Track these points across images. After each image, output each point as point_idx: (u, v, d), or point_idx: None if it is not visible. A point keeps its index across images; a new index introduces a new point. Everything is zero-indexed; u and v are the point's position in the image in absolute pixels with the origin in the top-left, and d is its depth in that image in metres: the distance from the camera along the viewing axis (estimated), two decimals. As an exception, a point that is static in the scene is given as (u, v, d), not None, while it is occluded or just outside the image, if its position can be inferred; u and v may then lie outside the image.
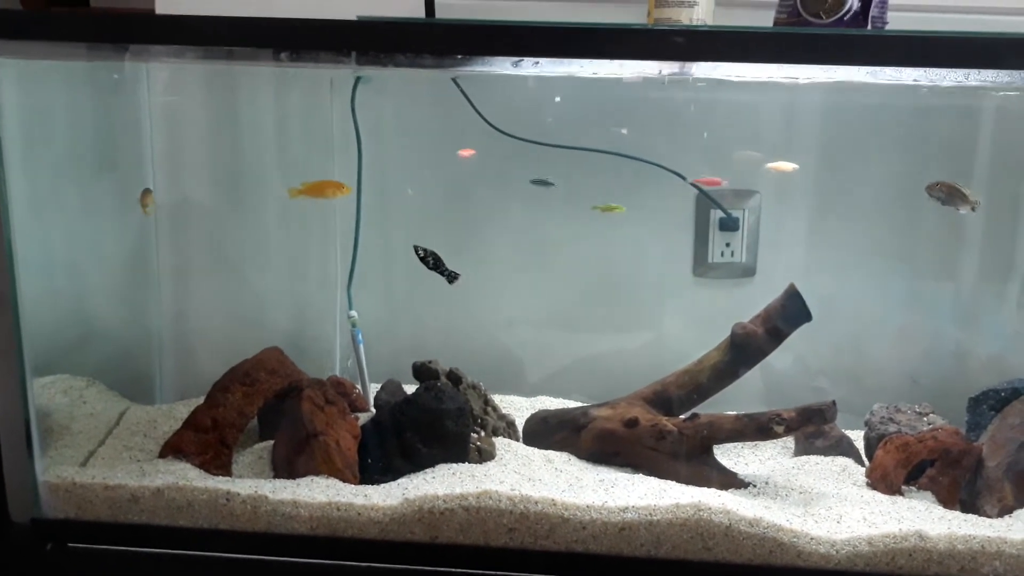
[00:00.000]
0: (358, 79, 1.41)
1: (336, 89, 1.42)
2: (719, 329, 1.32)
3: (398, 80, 1.46)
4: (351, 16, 1.09)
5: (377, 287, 1.51)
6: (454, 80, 1.40)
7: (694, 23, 1.10)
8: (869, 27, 1.10)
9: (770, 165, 1.35)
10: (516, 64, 1.11)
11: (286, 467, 1.22)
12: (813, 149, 1.43)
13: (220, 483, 1.16)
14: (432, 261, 1.25)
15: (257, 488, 1.15)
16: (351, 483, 1.19)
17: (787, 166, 1.35)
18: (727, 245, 1.47)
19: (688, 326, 1.49)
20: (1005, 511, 1.17)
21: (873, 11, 1.10)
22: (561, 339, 1.53)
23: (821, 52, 1.01)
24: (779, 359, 1.36)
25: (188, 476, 1.17)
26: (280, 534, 1.14)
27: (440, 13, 1.26)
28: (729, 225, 1.46)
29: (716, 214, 1.46)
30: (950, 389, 1.40)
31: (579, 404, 1.40)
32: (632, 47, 1.02)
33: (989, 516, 1.17)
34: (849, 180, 1.42)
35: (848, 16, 1.09)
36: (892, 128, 1.40)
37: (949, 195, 1.21)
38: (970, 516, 1.16)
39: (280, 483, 1.18)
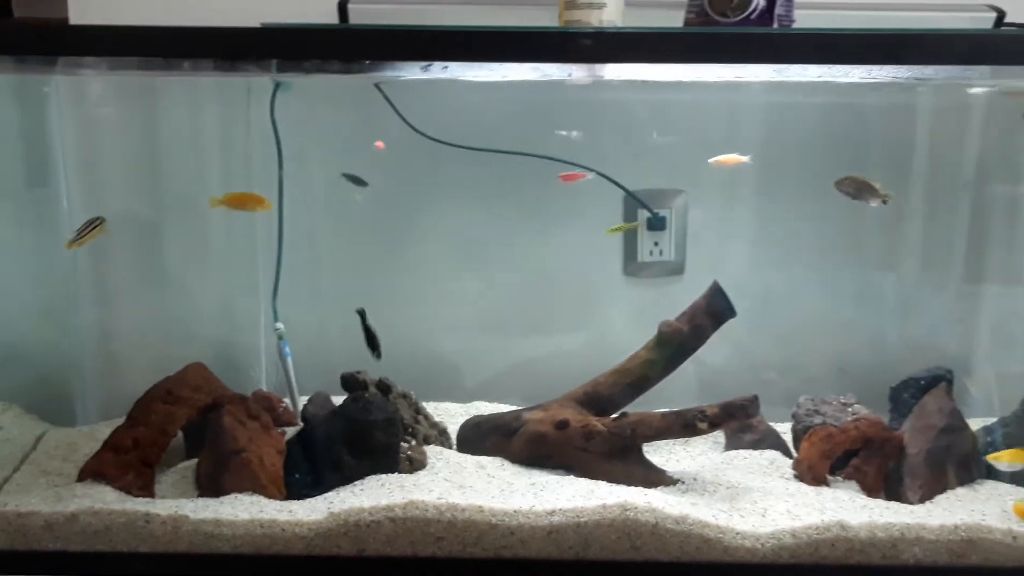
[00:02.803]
0: (277, 86, 1.38)
1: (254, 96, 1.39)
2: (651, 327, 1.32)
3: (320, 86, 1.45)
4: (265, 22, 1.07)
5: (307, 298, 1.49)
6: (377, 86, 1.39)
7: (603, 24, 1.10)
8: (776, 25, 1.11)
9: (714, 160, 1.30)
10: (425, 68, 1.10)
11: (210, 485, 1.19)
12: (740, 146, 1.45)
13: (139, 505, 1.13)
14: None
15: (178, 508, 1.12)
16: (276, 499, 1.17)
17: (734, 159, 1.29)
18: (656, 244, 1.48)
19: (621, 325, 1.50)
20: (926, 497, 1.20)
21: (779, 10, 1.11)
22: (495, 343, 1.53)
23: (728, 51, 1.02)
24: (716, 354, 1.37)
25: (106, 499, 1.14)
26: (202, 554, 1.11)
27: (354, 18, 1.24)
28: (657, 225, 1.47)
29: (643, 214, 1.47)
30: (880, 378, 1.42)
31: (514, 408, 1.40)
32: (540, 49, 1.02)
33: (911, 502, 1.19)
34: (775, 176, 1.44)
35: (755, 15, 1.10)
36: (820, 124, 1.43)
37: (858, 189, 1.23)
38: (891, 504, 1.18)
39: (202, 502, 1.15)
